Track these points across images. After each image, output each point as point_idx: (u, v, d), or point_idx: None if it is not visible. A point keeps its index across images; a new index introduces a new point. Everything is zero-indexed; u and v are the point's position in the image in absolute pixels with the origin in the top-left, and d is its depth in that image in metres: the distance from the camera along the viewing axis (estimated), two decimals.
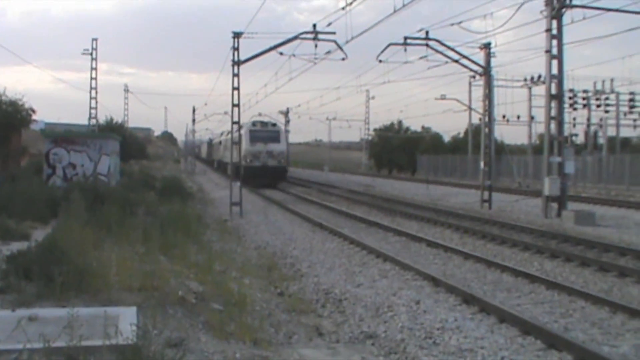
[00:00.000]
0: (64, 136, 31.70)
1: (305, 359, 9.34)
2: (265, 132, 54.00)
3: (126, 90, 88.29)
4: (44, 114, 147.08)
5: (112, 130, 58.32)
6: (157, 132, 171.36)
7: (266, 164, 52.60)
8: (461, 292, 13.62)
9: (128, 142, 63.58)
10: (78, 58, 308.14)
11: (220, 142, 75.47)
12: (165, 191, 31.07)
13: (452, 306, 12.98)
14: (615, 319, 12.06)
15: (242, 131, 47.46)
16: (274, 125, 57.32)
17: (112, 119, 75.38)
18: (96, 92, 58.20)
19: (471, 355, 9.88)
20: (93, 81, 57.70)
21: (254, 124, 55.56)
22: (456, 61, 34.59)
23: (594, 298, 13.28)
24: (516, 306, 12.89)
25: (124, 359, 6.80)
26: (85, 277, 10.15)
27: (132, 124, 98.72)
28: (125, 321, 7.92)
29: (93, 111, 58.50)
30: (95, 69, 57.62)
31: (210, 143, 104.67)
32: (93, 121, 58.95)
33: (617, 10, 29.18)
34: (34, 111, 42.47)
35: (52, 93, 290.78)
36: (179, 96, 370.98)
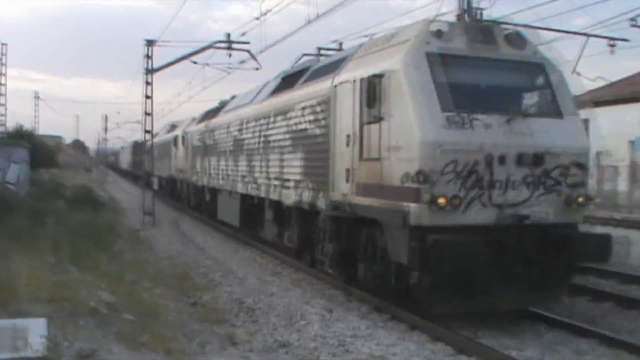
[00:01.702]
0: None
1: None
2: (502, 65, 12.93)
3: (36, 97, 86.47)
4: None
5: (21, 137, 56.95)
6: (68, 140, 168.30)
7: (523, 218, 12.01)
8: (373, 301, 13.79)
9: (38, 150, 62.20)
10: None
11: (180, 139, 37.81)
12: (76, 200, 30.55)
13: (364, 314, 13.16)
14: (522, 324, 12.40)
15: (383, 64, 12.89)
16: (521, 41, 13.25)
17: (21, 127, 73.77)
18: (5, 99, 57.10)
19: None
20: (2, 87, 56.56)
21: (440, 32, 12.55)
22: None
23: None
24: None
25: None
26: None
27: (42, 131, 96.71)
28: (35, 333, 7.81)
29: (2, 118, 57.37)
30: (5, 74, 56.56)
31: (136, 146, 70.32)
32: (1, 128, 57.68)
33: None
34: None
35: None
36: (91, 104, 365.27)
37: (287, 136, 17.62)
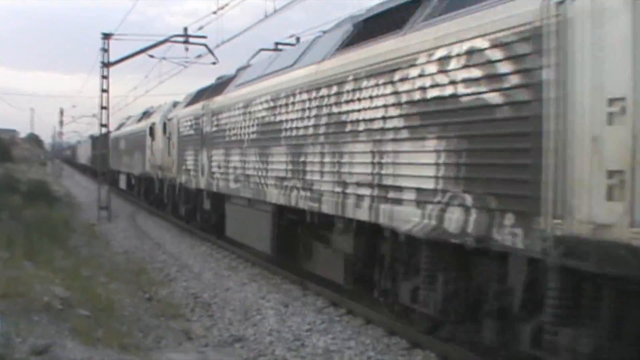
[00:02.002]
0: None
1: None
2: None
3: None
4: None
5: None
6: (23, 134, 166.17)
7: None
8: (329, 295, 13.84)
9: None
10: None
11: (159, 128, 29.91)
12: (31, 195, 30.21)
13: (320, 309, 13.20)
14: None
15: None
16: None
17: None
18: None
19: (338, 356, 10.11)
20: None
21: None
22: None
23: None
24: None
25: None
26: None
27: None
28: None
29: None
30: None
31: (95, 139, 55.04)
32: None
33: None
34: None
35: None
36: (46, 97, 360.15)
37: (396, 112, 9.67)
